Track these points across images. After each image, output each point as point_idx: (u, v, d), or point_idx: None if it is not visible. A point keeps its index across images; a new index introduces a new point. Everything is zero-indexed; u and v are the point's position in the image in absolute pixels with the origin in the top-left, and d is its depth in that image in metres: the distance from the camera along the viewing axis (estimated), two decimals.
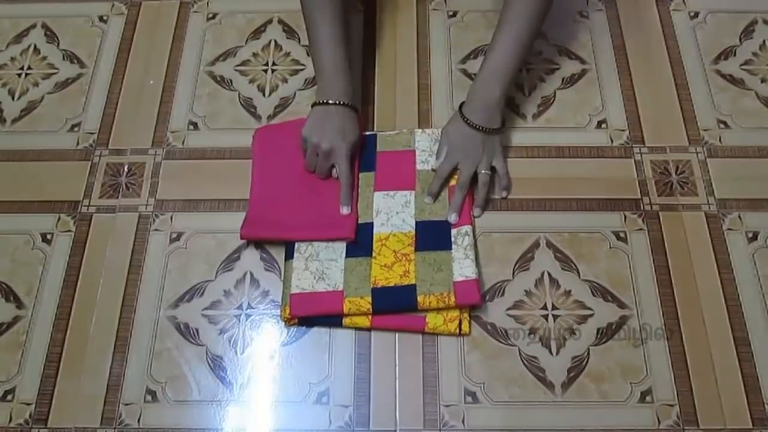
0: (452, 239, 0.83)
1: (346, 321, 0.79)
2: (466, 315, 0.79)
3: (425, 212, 0.85)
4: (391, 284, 0.80)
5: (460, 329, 0.78)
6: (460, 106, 0.87)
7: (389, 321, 0.79)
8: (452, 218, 0.84)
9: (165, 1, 1.07)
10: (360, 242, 0.83)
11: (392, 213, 0.85)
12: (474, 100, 0.86)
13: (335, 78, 0.85)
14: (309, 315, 0.79)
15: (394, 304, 0.79)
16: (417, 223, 0.85)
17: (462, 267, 0.80)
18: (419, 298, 0.79)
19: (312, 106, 0.86)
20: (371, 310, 0.79)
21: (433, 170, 0.88)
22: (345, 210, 0.84)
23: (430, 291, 0.79)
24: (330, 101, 0.85)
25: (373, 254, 0.82)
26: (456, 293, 0.78)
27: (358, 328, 0.80)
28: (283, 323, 0.80)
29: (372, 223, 0.85)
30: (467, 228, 0.83)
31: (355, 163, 0.88)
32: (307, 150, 0.87)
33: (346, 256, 0.82)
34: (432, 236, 0.83)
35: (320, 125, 0.85)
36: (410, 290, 0.79)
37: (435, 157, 0.88)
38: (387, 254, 0.82)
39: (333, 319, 0.80)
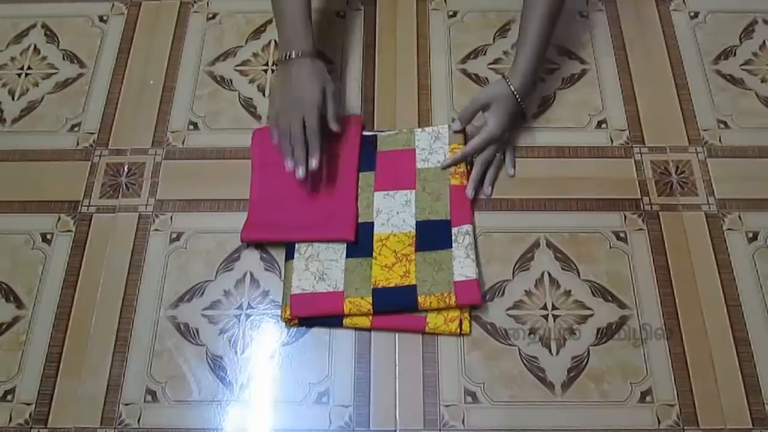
0: (453, 237, 0.83)
1: (346, 321, 0.79)
2: (466, 315, 0.79)
3: (426, 212, 0.85)
4: (392, 285, 0.80)
5: (461, 329, 0.78)
6: (505, 77, 0.87)
7: (390, 321, 0.79)
8: (470, 192, 0.85)
9: (165, 1, 1.07)
10: (360, 242, 0.83)
11: (393, 213, 0.85)
12: (520, 81, 0.86)
13: (297, 30, 0.85)
14: (309, 315, 0.79)
15: (395, 305, 0.79)
16: (417, 222, 0.84)
17: (462, 266, 0.80)
18: (420, 299, 0.79)
19: (275, 64, 0.85)
20: (372, 310, 0.79)
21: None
22: (314, 163, 0.81)
23: (430, 291, 0.79)
24: (293, 54, 0.84)
25: (374, 254, 0.82)
26: (456, 293, 0.78)
27: (358, 329, 0.80)
28: (284, 323, 0.80)
29: (372, 223, 0.85)
30: (468, 227, 0.83)
31: (338, 121, 0.85)
32: (272, 115, 0.85)
33: (347, 257, 0.82)
34: (432, 236, 0.83)
35: (285, 81, 0.84)
36: (411, 290, 0.79)
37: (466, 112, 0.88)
38: (387, 254, 0.82)
39: (333, 320, 0.80)
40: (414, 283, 0.80)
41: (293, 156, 0.82)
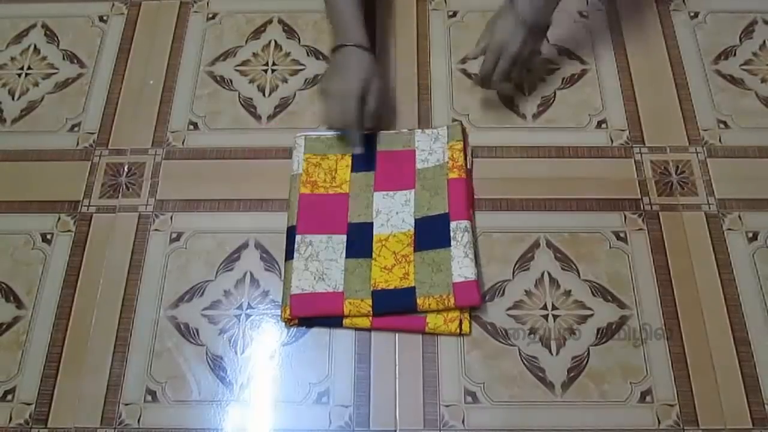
0: (451, 234, 0.82)
1: (346, 322, 0.79)
2: (466, 315, 0.79)
3: (424, 208, 0.85)
4: (391, 287, 0.80)
5: (461, 329, 0.78)
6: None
7: (390, 322, 0.79)
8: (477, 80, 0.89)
9: (165, 1, 1.07)
10: (360, 243, 0.83)
11: (392, 213, 0.85)
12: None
13: (346, 21, 0.87)
14: (309, 315, 0.79)
15: (394, 306, 0.79)
16: (416, 220, 0.84)
17: (461, 267, 0.80)
18: (419, 300, 0.79)
19: (330, 53, 0.88)
20: (371, 312, 0.79)
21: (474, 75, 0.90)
22: (358, 150, 0.87)
23: (429, 293, 0.79)
24: (342, 43, 0.86)
25: (374, 255, 0.82)
26: (455, 295, 0.78)
27: (358, 329, 0.80)
28: (284, 323, 0.80)
29: (372, 224, 0.85)
30: (466, 223, 0.83)
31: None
32: (327, 100, 0.86)
33: (347, 257, 0.82)
34: (431, 234, 0.83)
35: (331, 69, 0.86)
36: (409, 292, 0.79)
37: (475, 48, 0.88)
38: (387, 256, 0.82)
39: (333, 320, 0.80)
40: (413, 285, 0.80)
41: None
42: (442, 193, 0.85)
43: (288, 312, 0.79)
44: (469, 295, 0.78)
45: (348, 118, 0.84)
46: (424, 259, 0.82)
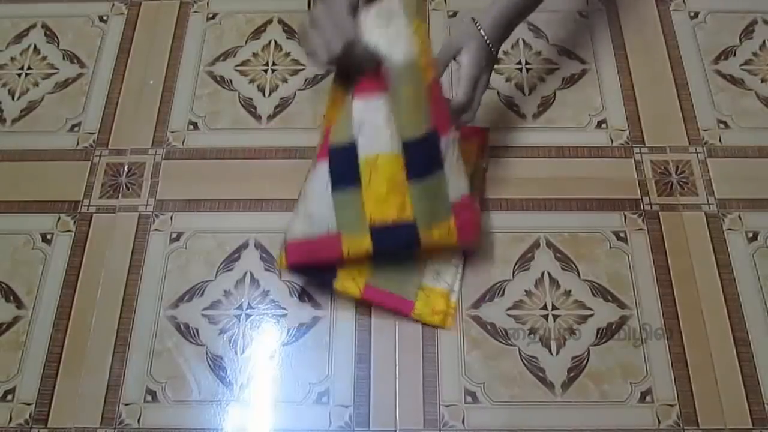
0: (442, 154, 0.74)
1: (336, 285, 0.78)
2: (452, 311, 0.79)
3: (410, 127, 0.73)
4: (389, 221, 0.75)
5: (445, 323, 0.79)
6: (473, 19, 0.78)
7: (379, 296, 0.78)
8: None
9: (165, 1, 1.07)
10: (344, 169, 0.75)
11: (376, 128, 0.74)
12: (490, 23, 0.77)
13: None
14: (306, 263, 0.77)
15: (395, 243, 0.76)
16: (405, 144, 0.74)
17: (456, 185, 0.76)
18: (421, 235, 0.75)
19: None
20: (371, 249, 0.75)
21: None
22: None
23: (430, 225, 0.76)
24: None
25: (362, 183, 0.75)
26: (456, 214, 0.75)
27: (346, 297, 0.79)
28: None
29: (355, 145, 0.75)
30: (452, 136, 0.74)
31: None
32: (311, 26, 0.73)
33: (333, 190, 0.75)
34: (422, 158, 0.74)
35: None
36: (411, 229, 0.75)
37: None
38: (380, 182, 0.75)
39: (327, 275, 0.78)
40: (412, 219, 0.75)
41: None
42: (425, 104, 0.73)
43: (284, 260, 0.77)
44: (468, 214, 0.76)
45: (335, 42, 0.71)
46: (420, 189, 0.75)
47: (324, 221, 0.76)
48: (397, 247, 0.77)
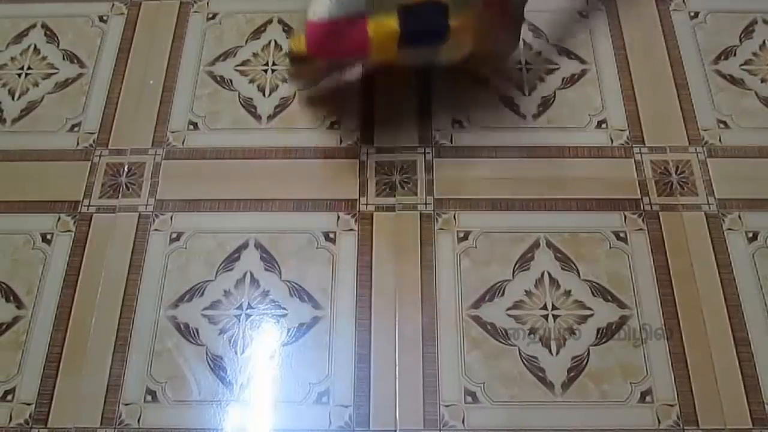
0: None
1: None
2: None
3: None
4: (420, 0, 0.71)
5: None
6: None
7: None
8: None
9: (165, 1, 1.07)
10: None
11: None
12: None
13: None
14: (327, 46, 0.72)
15: (423, 24, 0.71)
16: None
17: None
18: (451, 18, 0.71)
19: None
20: (399, 32, 0.70)
21: None
22: None
23: (460, 7, 0.71)
24: None
25: None
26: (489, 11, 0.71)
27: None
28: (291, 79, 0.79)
29: None
30: None
31: None
32: None
33: None
34: None
35: None
36: (439, 7, 0.70)
37: None
38: None
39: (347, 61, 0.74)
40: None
41: None
42: None
43: (301, 42, 0.71)
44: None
45: None
46: None
47: (353, 1, 0.71)
48: (426, 29, 0.72)
